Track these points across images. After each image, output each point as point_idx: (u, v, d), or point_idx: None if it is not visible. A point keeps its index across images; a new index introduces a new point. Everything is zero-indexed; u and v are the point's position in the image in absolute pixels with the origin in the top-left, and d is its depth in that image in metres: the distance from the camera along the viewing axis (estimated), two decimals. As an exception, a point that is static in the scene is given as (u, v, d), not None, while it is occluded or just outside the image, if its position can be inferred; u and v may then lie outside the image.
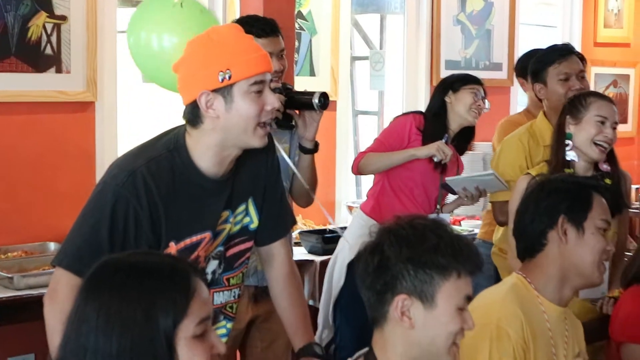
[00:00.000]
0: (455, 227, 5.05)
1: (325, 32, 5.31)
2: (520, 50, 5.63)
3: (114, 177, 2.22)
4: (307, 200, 3.34)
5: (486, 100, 3.88)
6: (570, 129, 3.22)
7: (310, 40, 5.26)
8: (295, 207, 3.48)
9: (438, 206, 3.93)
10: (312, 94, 3.13)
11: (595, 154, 3.19)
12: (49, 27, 4.12)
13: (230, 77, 2.19)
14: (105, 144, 4.31)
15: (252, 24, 3.11)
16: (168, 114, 4.63)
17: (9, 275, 3.62)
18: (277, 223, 2.53)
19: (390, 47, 5.97)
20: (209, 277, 2.39)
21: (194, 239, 2.30)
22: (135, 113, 5.60)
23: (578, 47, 6.47)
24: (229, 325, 2.52)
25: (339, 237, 4.04)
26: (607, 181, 3.14)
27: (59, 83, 4.17)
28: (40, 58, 4.11)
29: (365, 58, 5.77)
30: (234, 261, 2.46)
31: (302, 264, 4.40)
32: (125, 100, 4.83)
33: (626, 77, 7.10)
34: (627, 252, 3.46)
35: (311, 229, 4.88)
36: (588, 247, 2.43)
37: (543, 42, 4.52)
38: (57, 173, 4.20)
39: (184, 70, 2.27)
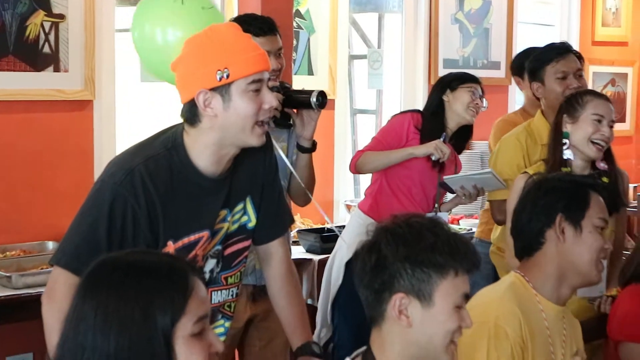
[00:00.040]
0: (454, 226, 5.05)
1: (324, 30, 5.31)
2: (518, 49, 5.62)
3: (112, 176, 2.22)
4: (305, 199, 3.34)
5: (484, 99, 3.88)
6: (567, 127, 3.22)
7: (309, 39, 5.26)
8: (293, 206, 3.48)
9: (436, 205, 3.93)
10: (310, 92, 3.13)
11: (593, 152, 3.20)
12: (47, 25, 4.12)
13: (228, 76, 2.19)
14: (104, 142, 4.32)
15: (249, 23, 3.11)
16: (166, 112, 4.64)
17: (7, 275, 3.62)
18: (275, 222, 2.53)
19: (388, 45, 5.97)
20: (207, 276, 2.39)
21: (192, 237, 2.30)
22: (133, 112, 5.61)
23: (576, 46, 6.46)
24: (227, 324, 2.52)
25: (337, 236, 4.04)
26: (604, 179, 3.15)
27: (57, 82, 4.17)
28: (38, 57, 4.11)
29: (364, 57, 5.77)
30: (232, 260, 2.46)
31: (301, 263, 4.40)
32: (124, 99, 4.83)
33: (624, 76, 7.11)
34: (625, 251, 3.46)
35: (309, 227, 4.88)
36: (586, 246, 2.43)
37: (541, 41, 4.52)
38: (55, 172, 4.20)
39: (182, 69, 2.27)
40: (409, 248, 1.89)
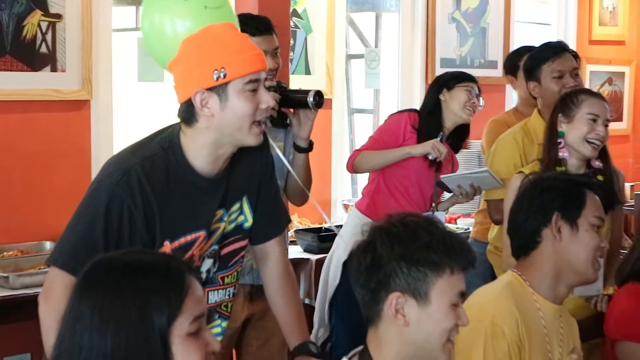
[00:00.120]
0: (451, 225, 5.06)
1: (321, 30, 5.31)
2: (516, 48, 5.64)
3: (109, 176, 2.22)
4: (301, 199, 3.34)
5: (481, 98, 3.88)
6: (563, 127, 3.22)
7: (306, 39, 5.26)
8: (291, 206, 3.49)
9: (433, 204, 3.94)
10: (306, 92, 3.13)
11: (588, 151, 3.20)
12: (44, 25, 4.12)
13: (225, 76, 2.19)
14: (101, 142, 4.31)
15: (246, 22, 3.11)
16: (163, 112, 4.63)
17: (5, 275, 3.62)
18: (272, 221, 2.53)
19: (386, 45, 5.97)
20: (204, 275, 2.39)
21: (189, 237, 2.30)
22: (130, 111, 5.61)
23: (573, 45, 6.48)
24: (224, 324, 2.52)
25: (334, 235, 4.05)
26: (600, 178, 3.15)
27: (54, 81, 4.17)
28: (35, 56, 4.10)
29: (361, 56, 5.77)
30: (229, 260, 2.46)
31: (298, 263, 4.41)
32: (121, 99, 4.83)
33: (621, 75, 7.11)
34: (622, 250, 3.46)
35: (307, 227, 4.88)
36: (582, 244, 2.44)
37: (538, 40, 4.52)
38: (52, 172, 4.20)
39: (179, 69, 2.27)
40: (405, 247, 1.89)
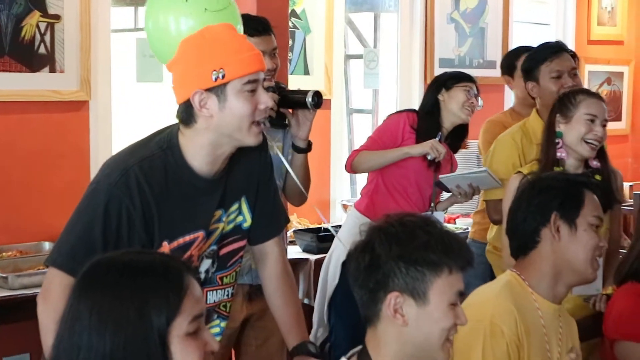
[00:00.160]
0: (450, 225, 5.06)
1: (319, 30, 5.31)
2: (514, 48, 5.64)
3: (107, 177, 2.22)
4: (300, 199, 3.34)
5: (479, 98, 3.88)
6: (561, 127, 3.23)
7: (304, 39, 5.26)
8: (290, 206, 3.49)
9: (432, 204, 3.94)
10: (305, 92, 3.13)
11: (586, 151, 3.21)
12: (42, 26, 4.12)
13: (223, 76, 2.19)
14: (100, 143, 4.31)
15: (244, 23, 3.09)
16: (162, 112, 4.64)
17: (4, 275, 3.62)
18: (270, 222, 2.54)
19: (384, 45, 5.97)
20: (202, 276, 2.39)
21: (187, 238, 2.30)
22: (129, 112, 5.61)
23: (572, 45, 6.48)
24: (223, 324, 2.52)
25: (333, 235, 4.05)
26: (597, 177, 3.15)
27: (52, 82, 4.17)
28: (33, 57, 4.10)
29: (360, 56, 5.77)
30: (227, 260, 2.46)
31: (297, 263, 4.41)
32: (119, 100, 4.83)
33: (620, 75, 7.12)
34: (621, 249, 3.47)
35: (306, 227, 4.88)
36: (581, 244, 2.44)
37: (537, 40, 4.52)
38: (51, 172, 4.20)
39: (177, 70, 2.27)
40: (403, 247, 1.90)
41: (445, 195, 4.01)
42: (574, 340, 2.56)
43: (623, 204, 4.03)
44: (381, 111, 5.88)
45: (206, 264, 2.40)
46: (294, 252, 4.52)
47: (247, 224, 2.46)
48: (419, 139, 3.83)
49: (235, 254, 2.48)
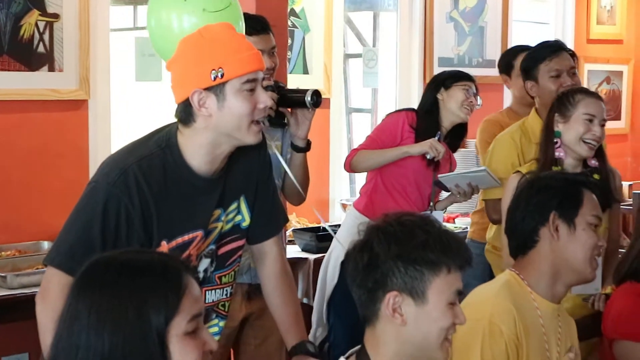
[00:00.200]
0: (449, 225, 5.06)
1: (318, 29, 5.31)
2: (514, 47, 5.64)
3: (106, 176, 2.22)
4: (299, 199, 3.34)
5: (478, 97, 3.88)
6: (559, 127, 3.23)
7: (303, 38, 5.26)
8: (289, 205, 3.49)
9: (431, 203, 3.94)
10: (304, 91, 3.13)
11: (584, 151, 3.21)
12: (41, 25, 4.12)
13: (222, 76, 2.19)
14: (99, 142, 4.31)
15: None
16: (161, 111, 4.63)
17: (3, 274, 3.62)
18: (269, 221, 2.53)
19: (384, 44, 5.97)
20: (201, 275, 2.39)
21: (186, 237, 2.30)
22: (128, 111, 5.61)
23: (571, 44, 6.48)
24: (222, 323, 2.52)
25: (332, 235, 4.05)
26: (596, 176, 3.15)
27: (51, 81, 4.17)
28: (32, 56, 4.10)
29: (359, 55, 5.77)
30: (226, 259, 2.46)
31: (296, 262, 4.41)
32: (118, 99, 4.83)
33: (619, 74, 7.12)
34: (620, 249, 3.47)
35: (305, 227, 4.88)
36: (580, 243, 2.44)
37: (536, 39, 4.52)
38: (50, 172, 4.20)
39: (176, 69, 2.27)
40: (401, 246, 1.89)
41: (444, 194, 4.01)
42: (573, 340, 2.56)
43: (622, 204, 4.03)
44: (380, 110, 5.88)
45: (205, 263, 2.40)
46: (293, 251, 4.52)
47: (246, 223, 2.46)
48: (418, 138, 3.82)
49: (234, 253, 2.47)
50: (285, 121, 3.23)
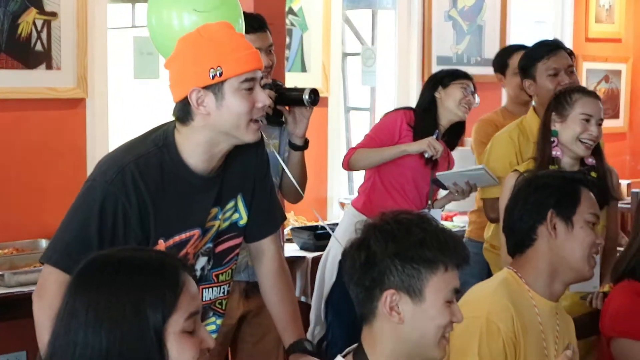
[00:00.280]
0: (447, 223, 5.06)
1: (317, 28, 5.31)
2: (512, 46, 5.64)
3: (103, 174, 2.22)
4: (296, 197, 3.33)
5: (476, 95, 3.88)
6: (556, 126, 3.23)
7: (302, 37, 5.26)
8: (287, 204, 3.48)
9: (429, 202, 3.94)
10: (302, 90, 3.13)
11: (581, 150, 3.21)
12: (39, 23, 4.12)
13: (221, 74, 2.19)
14: (96, 140, 4.31)
15: (239, 20, 3.11)
16: (159, 110, 4.63)
17: (0, 273, 3.62)
18: (267, 219, 2.53)
19: (382, 43, 5.97)
20: (198, 273, 2.38)
21: (183, 236, 2.30)
22: (126, 109, 5.61)
23: (569, 43, 6.48)
24: (219, 321, 2.52)
25: (330, 233, 4.05)
26: (593, 175, 3.16)
27: (49, 80, 4.16)
28: (30, 54, 4.10)
29: (357, 54, 5.77)
30: (223, 257, 2.46)
31: (294, 261, 4.41)
32: (116, 97, 4.83)
33: (618, 73, 7.12)
34: (619, 247, 3.47)
35: (303, 225, 4.88)
36: (578, 241, 2.44)
37: (535, 38, 4.52)
38: (48, 170, 4.20)
39: (175, 68, 2.27)
40: (398, 244, 1.89)
41: (442, 192, 4.01)
42: (570, 338, 2.56)
43: (621, 202, 4.03)
44: (379, 109, 5.88)
45: (202, 261, 2.40)
46: (291, 249, 4.52)
47: (243, 221, 2.46)
48: (416, 137, 3.83)
49: (231, 252, 2.47)
50: (283, 119, 3.23)
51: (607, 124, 3.33)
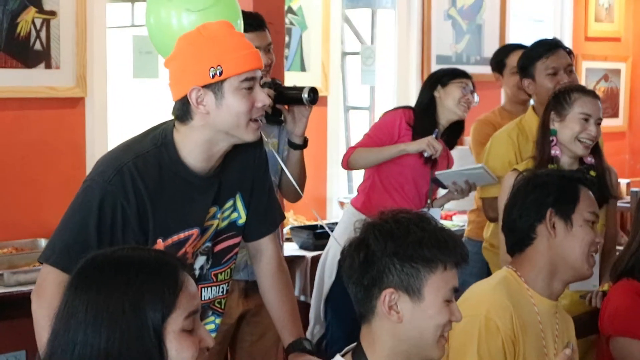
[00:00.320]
0: (446, 222, 5.06)
1: (316, 27, 5.31)
2: (511, 45, 5.64)
3: (101, 174, 2.22)
4: (295, 196, 3.33)
5: (475, 94, 3.88)
6: (555, 125, 3.23)
7: (301, 36, 5.26)
8: (286, 203, 3.48)
9: (429, 201, 3.94)
10: (301, 89, 3.13)
11: (580, 150, 3.21)
12: (38, 22, 4.11)
13: (221, 73, 2.19)
14: (96, 139, 4.31)
15: (238, 19, 3.11)
16: (158, 109, 4.63)
17: (-1, 272, 3.62)
18: (265, 218, 2.53)
19: (381, 42, 5.97)
20: (197, 272, 2.38)
21: (182, 235, 2.29)
22: (125, 109, 5.61)
23: (569, 42, 6.49)
24: (218, 320, 2.52)
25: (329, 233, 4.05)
26: (592, 173, 3.16)
27: (48, 79, 4.16)
28: (29, 53, 4.10)
29: (356, 53, 5.77)
30: (222, 257, 2.46)
31: (294, 260, 4.41)
32: (115, 96, 4.83)
33: (617, 72, 7.12)
34: (618, 246, 3.47)
35: (302, 224, 4.88)
36: (577, 240, 2.44)
37: (534, 37, 4.52)
38: (47, 169, 4.20)
39: (174, 66, 2.26)
40: (397, 243, 1.89)
41: (441, 191, 4.01)
42: (570, 337, 2.56)
43: (620, 201, 4.03)
44: (378, 108, 5.88)
45: (201, 260, 2.40)
46: (291, 249, 4.52)
47: (242, 220, 2.46)
48: (416, 136, 3.83)
49: (230, 251, 2.47)
50: (282, 118, 3.23)
51: (607, 123, 3.33)
